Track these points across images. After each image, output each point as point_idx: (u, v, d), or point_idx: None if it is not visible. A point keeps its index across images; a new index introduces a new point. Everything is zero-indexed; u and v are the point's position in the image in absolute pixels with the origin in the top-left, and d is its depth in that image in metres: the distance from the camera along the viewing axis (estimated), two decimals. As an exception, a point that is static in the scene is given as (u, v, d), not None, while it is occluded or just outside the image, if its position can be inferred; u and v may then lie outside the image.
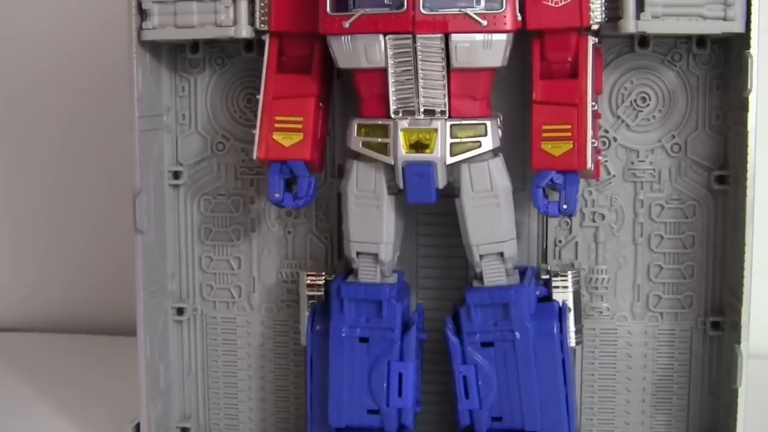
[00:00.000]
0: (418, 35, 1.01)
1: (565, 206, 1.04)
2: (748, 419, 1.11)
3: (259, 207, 1.25)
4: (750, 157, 1.07)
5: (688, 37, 1.14)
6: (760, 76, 1.05)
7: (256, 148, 1.08)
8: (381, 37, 1.02)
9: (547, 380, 1.09)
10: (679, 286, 1.19)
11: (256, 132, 1.09)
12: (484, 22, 1.00)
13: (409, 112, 1.04)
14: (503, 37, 1.01)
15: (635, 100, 1.17)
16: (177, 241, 1.26)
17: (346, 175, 1.10)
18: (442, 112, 1.04)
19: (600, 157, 1.14)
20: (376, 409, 1.11)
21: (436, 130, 1.04)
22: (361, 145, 1.07)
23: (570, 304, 1.14)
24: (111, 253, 1.78)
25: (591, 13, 1.03)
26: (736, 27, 1.04)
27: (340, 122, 1.20)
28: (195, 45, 1.23)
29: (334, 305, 1.11)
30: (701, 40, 1.14)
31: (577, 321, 1.15)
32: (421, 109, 1.04)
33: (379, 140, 1.06)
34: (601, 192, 1.19)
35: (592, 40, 1.05)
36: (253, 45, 1.20)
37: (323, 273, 1.19)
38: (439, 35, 1.01)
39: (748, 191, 1.07)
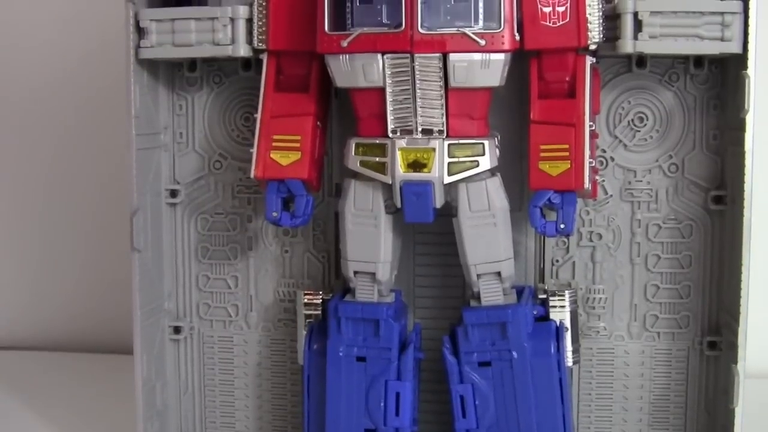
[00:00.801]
0: (416, 54, 1.01)
1: (562, 226, 1.04)
2: (745, 440, 1.11)
3: (256, 226, 1.24)
4: (747, 178, 1.07)
5: (685, 58, 1.15)
6: (757, 96, 1.06)
7: (253, 166, 1.08)
8: (379, 56, 1.02)
9: (545, 400, 1.09)
10: (676, 306, 1.19)
11: (254, 151, 1.09)
12: (482, 42, 1.00)
13: (407, 132, 1.04)
14: (501, 56, 1.01)
15: (632, 120, 1.17)
16: (174, 260, 1.26)
17: (343, 194, 1.10)
18: (440, 132, 1.04)
19: (597, 177, 1.14)
20: (374, 428, 1.10)
21: (434, 149, 1.04)
22: (358, 164, 1.07)
23: (567, 323, 1.14)
24: (108, 272, 1.77)
25: (589, 33, 1.03)
26: (734, 47, 1.05)
27: (337, 141, 1.20)
28: (193, 63, 1.23)
29: (332, 324, 1.11)
30: (699, 60, 1.15)
31: (575, 340, 1.15)
32: (419, 129, 1.04)
33: (377, 159, 1.06)
34: (598, 212, 1.19)
35: (589, 60, 1.05)
36: (250, 64, 1.21)
37: (320, 292, 1.19)
38: (438, 54, 1.01)
39: (745, 211, 1.07)
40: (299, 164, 1.08)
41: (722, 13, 1.04)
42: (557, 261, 1.20)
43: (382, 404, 1.10)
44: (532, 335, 1.09)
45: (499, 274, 1.08)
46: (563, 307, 1.14)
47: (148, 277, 1.21)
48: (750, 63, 1.05)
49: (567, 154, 1.03)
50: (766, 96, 1.16)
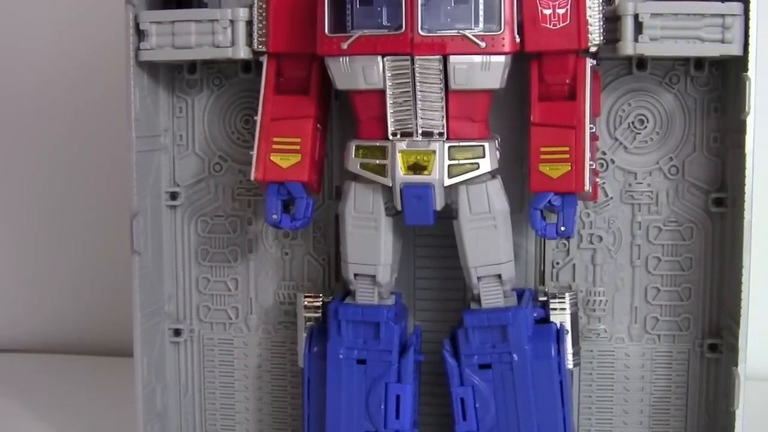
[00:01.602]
0: (416, 57, 1.01)
1: (562, 228, 1.04)
2: (746, 442, 1.10)
3: (256, 228, 1.24)
4: (748, 180, 1.07)
5: (685, 60, 1.15)
6: (758, 98, 1.05)
7: (253, 169, 1.08)
8: (379, 58, 1.02)
9: (545, 402, 1.09)
10: (677, 309, 1.19)
11: (254, 153, 1.09)
12: (483, 44, 1.00)
13: (407, 134, 1.04)
14: (501, 59, 1.01)
15: (633, 122, 1.17)
16: (174, 263, 1.26)
17: (343, 196, 1.10)
18: (441, 134, 1.04)
19: (598, 179, 1.14)
20: (374, 431, 1.10)
21: (434, 151, 1.04)
22: (359, 166, 1.07)
23: (567, 326, 1.14)
24: (108, 274, 1.77)
25: (589, 35, 1.03)
26: (734, 50, 1.05)
27: (338, 143, 1.20)
28: (193, 66, 1.23)
29: (332, 327, 1.10)
30: (699, 62, 1.15)
31: (575, 343, 1.15)
32: (420, 131, 1.04)
33: (377, 162, 1.05)
34: (598, 214, 1.19)
35: (590, 62, 1.05)
36: (251, 66, 1.20)
37: (321, 294, 1.18)
38: (438, 57, 1.01)
39: (746, 213, 1.07)
40: (299, 167, 1.08)
41: (723, 15, 1.04)
42: (557, 263, 1.20)
43: (382, 407, 1.09)
44: (533, 338, 1.09)
45: (499, 276, 1.08)
46: (564, 309, 1.14)
47: (148, 280, 1.20)
48: (751, 65, 1.05)
49: (567, 156, 1.03)
50: (767, 98, 1.16)
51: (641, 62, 1.15)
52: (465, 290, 1.13)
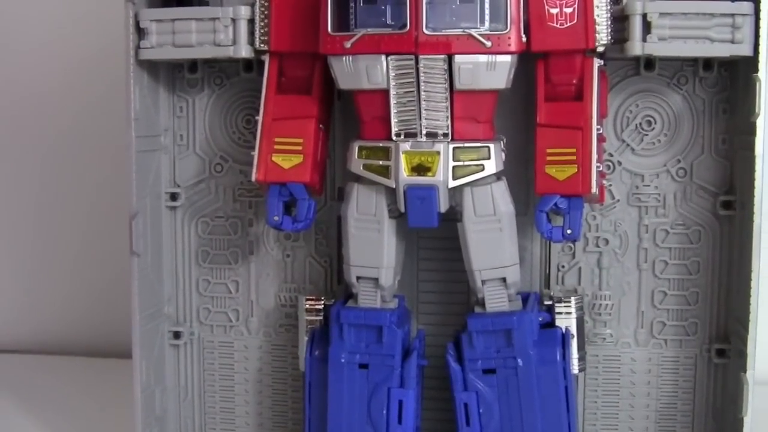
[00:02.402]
0: (420, 56, 1.00)
1: (569, 231, 1.03)
2: (754, 449, 1.09)
3: (257, 230, 1.23)
4: (757, 183, 1.06)
5: (694, 60, 1.14)
6: (768, 100, 1.04)
7: (255, 170, 1.07)
8: (383, 57, 1.00)
9: (550, 408, 1.08)
10: (684, 313, 1.18)
11: (255, 154, 1.08)
12: (489, 43, 0.99)
13: (411, 135, 1.03)
14: (507, 58, 1.00)
15: (640, 124, 1.16)
16: (174, 264, 1.25)
17: (346, 198, 1.08)
18: (445, 135, 1.03)
19: (604, 182, 1.13)
20: (376, 436, 1.09)
21: (438, 153, 1.02)
22: (361, 167, 1.06)
23: (573, 330, 1.13)
24: (107, 275, 1.76)
25: (597, 35, 1.02)
26: (745, 50, 1.04)
27: (340, 144, 1.19)
28: (193, 64, 1.22)
29: (334, 330, 1.10)
30: (708, 63, 1.14)
31: (581, 348, 1.14)
32: (424, 132, 1.03)
33: (381, 163, 1.04)
34: (605, 217, 1.18)
35: (597, 63, 1.04)
36: (252, 65, 1.20)
37: (322, 297, 1.17)
38: (443, 56, 1.00)
39: (755, 217, 1.06)
40: (301, 167, 1.07)
41: (733, 15, 1.03)
42: (563, 267, 1.19)
43: (384, 412, 1.09)
44: (538, 342, 1.08)
45: (504, 280, 1.07)
46: (569, 313, 1.13)
47: (148, 282, 1.20)
48: (761, 66, 1.04)
49: (574, 158, 1.02)
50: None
51: (649, 62, 1.14)
52: (469, 294, 1.12)
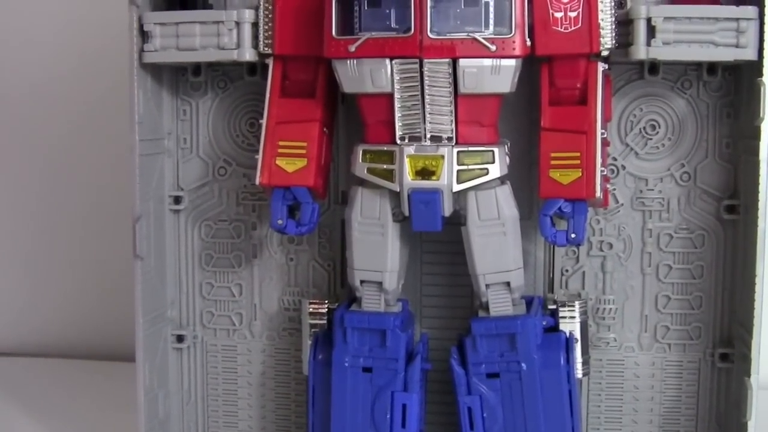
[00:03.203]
0: (425, 60, 0.99)
1: (573, 235, 1.03)
2: (758, 453, 1.09)
3: (261, 233, 1.23)
4: (761, 187, 1.05)
5: (698, 64, 1.13)
6: (773, 104, 1.04)
7: (258, 173, 1.07)
8: (387, 61, 1.00)
9: (554, 412, 1.08)
10: (688, 317, 1.18)
11: (259, 157, 1.08)
12: (493, 47, 0.99)
13: (416, 138, 1.03)
14: (512, 62, 1.00)
15: (644, 128, 1.15)
16: (177, 268, 1.25)
17: (350, 201, 1.08)
18: (449, 139, 1.02)
19: (608, 186, 1.13)
20: (379, 440, 1.09)
21: (442, 156, 1.02)
22: (365, 171, 1.05)
23: (577, 334, 1.13)
24: (110, 278, 1.76)
25: (601, 39, 1.02)
26: (749, 54, 1.03)
27: (344, 148, 1.18)
28: (197, 68, 1.22)
29: (337, 334, 1.09)
30: (712, 67, 1.14)
31: (584, 352, 1.13)
32: (428, 135, 1.03)
33: (385, 167, 1.04)
34: (609, 221, 1.17)
35: (601, 67, 1.04)
36: (256, 68, 1.19)
37: (326, 301, 1.17)
38: (447, 60, 0.99)
39: (759, 221, 1.06)
40: (305, 171, 1.07)
41: (737, 19, 1.03)
42: (567, 271, 1.19)
43: (388, 416, 1.08)
44: (542, 346, 1.08)
45: (508, 284, 1.07)
46: (573, 317, 1.13)
47: (151, 285, 1.19)
48: (766, 70, 1.04)
49: (578, 162, 1.02)
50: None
51: (653, 67, 1.14)
52: (473, 297, 1.12)
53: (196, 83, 1.23)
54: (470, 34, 0.99)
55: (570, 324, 1.13)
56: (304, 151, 1.07)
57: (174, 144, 1.23)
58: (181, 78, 1.23)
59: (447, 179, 1.02)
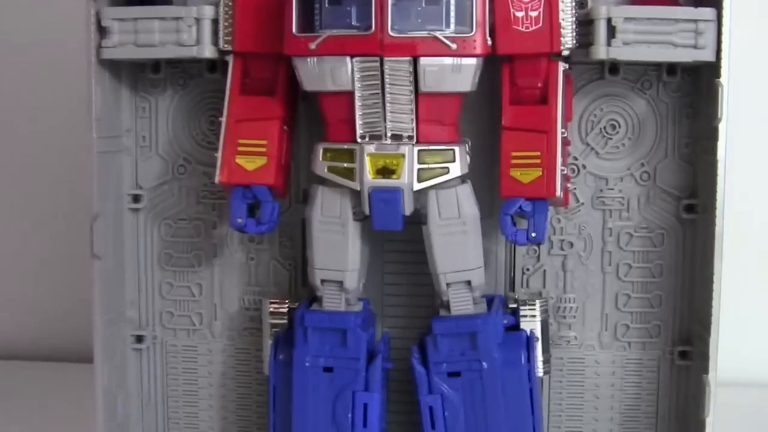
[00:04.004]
0: (386, 58, 0.99)
1: (533, 234, 1.03)
2: (716, 450, 1.10)
3: (221, 232, 1.22)
4: (719, 187, 1.06)
5: (658, 65, 1.14)
6: (730, 105, 1.05)
7: (218, 171, 1.06)
8: (348, 59, 1.00)
9: (515, 410, 1.08)
10: (647, 316, 1.19)
11: (219, 155, 1.07)
12: (454, 46, 0.99)
13: (376, 137, 1.03)
14: (473, 61, 1.00)
15: (605, 128, 1.16)
16: (136, 267, 1.24)
17: (310, 200, 1.08)
18: (410, 137, 1.02)
19: (569, 185, 1.14)
20: (341, 440, 1.09)
21: (403, 155, 1.02)
22: (326, 169, 1.05)
23: (538, 333, 1.13)
24: (68, 278, 1.74)
25: (562, 38, 1.03)
26: (707, 55, 1.04)
27: (305, 146, 1.18)
28: (156, 64, 1.21)
29: (298, 334, 1.09)
30: (672, 68, 1.14)
31: (545, 350, 1.14)
32: (389, 134, 1.02)
33: (345, 165, 1.04)
34: (569, 220, 1.18)
35: (562, 66, 1.04)
36: (216, 65, 1.18)
37: (287, 300, 1.17)
38: (408, 58, 0.99)
39: (717, 221, 1.07)
40: (265, 169, 1.06)
41: (696, 21, 1.04)
42: (528, 270, 1.19)
43: (349, 416, 1.08)
44: (503, 345, 1.08)
45: (469, 283, 1.07)
46: (534, 316, 1.13)
47: (110, 285, 1.18)
48: (723, 71, 1.04)
49: (539, 161, 1.02)
50: (739, 104, 1.16)
51: (614, 67, 1.15)
52: (434, 297, 1.12)
53: (155, 80, 1.21)
54: (431, 32, 0.98)
55: (531, 323, 1.13)
56: (264, 149, 1.06)
57: (133, 142, 1.22)
58: (140, 75, 1.21)
59: (408, 178, 1.02)
